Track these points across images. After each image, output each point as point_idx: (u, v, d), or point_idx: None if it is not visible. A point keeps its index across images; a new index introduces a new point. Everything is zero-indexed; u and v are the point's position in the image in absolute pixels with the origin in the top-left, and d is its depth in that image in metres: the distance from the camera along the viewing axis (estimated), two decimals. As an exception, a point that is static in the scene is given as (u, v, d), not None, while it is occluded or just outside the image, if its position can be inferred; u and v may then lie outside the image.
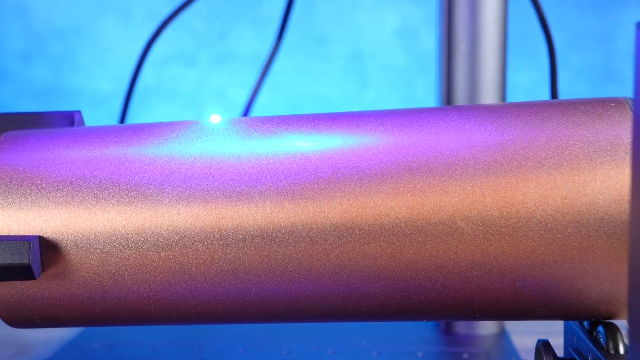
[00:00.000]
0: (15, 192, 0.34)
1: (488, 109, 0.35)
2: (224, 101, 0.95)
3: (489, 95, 0.50)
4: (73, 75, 0.93)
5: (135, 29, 0.92)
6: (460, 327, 0.52)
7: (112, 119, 0.91)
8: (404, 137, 0.34)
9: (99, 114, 0.92)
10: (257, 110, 0.72)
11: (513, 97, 0.52)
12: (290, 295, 0.34)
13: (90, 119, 0.41)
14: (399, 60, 0.93)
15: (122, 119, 0.57)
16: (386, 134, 0.34)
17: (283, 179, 0.33)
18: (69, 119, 0.38)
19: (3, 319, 0.35)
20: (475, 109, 0.35)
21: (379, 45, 0.93)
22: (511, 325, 0.54)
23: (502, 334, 0.52)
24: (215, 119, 0.37)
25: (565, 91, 0.63)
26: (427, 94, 0.93)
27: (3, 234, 0.33)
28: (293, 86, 0.93)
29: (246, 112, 0.65)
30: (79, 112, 0.39)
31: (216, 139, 0.35)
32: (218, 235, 0.33)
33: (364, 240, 0.33)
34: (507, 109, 0.35)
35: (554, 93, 0.53)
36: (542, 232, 0.32)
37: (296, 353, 0.49)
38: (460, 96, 0.51)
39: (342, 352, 0.49)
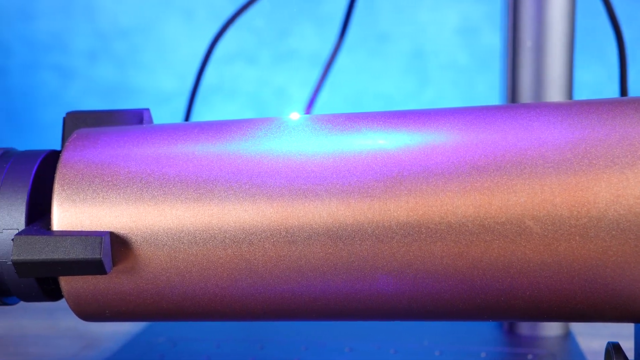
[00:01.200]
0: (87, 188, 0.35)
1: (557, 106, 0.34)
2: (284, 99, 0.95)
3: (555, 93, 0.49)
4: (137, 74, 0.95)
5: (198, 28, 0.94)
6: (524, 327, 0.51)
7: (175, 117, 0.92)
8: (471, 135, 0.34)
9: (163, 112, 0.94)
10: (318, 108, 0.72)
11: (580, 94, 0.51)
12: (355, 294, 0.34)
13: (154, 117, 0.41)
14: (460, 57, 0.92)
15: (187, 117, 0.57)
16: (453, 132, 0.34)
17: (349, 176, 0.33)
18: (138, 117, 0.39)
19: (75, 312, 0.36)
20: (544, 107, 0.35)
21: (439, 43, 0.93)
22: (577, 327, 0.53)
23: (568, 336, 0.51)
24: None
25: (635, 88, 0.62)
26: (488, 92, 0.92)
27: (76, 230, 0.34)
28: (353, 84, 0.93)
29: (308, 110, 0.65)
30: (147, 110, 0.40)
31: (282, 136, 0.35)
32: (284, 233, 0.34)
33: (430, 239, 0.33)
34: (576, 107, 0.34)
35: (623, 90, 0.52)
36: (613, 232, 0.31)
37: (358, 351, 0.49)
38: (526, 94, 0.50)
39: (404, 351, 0.49)
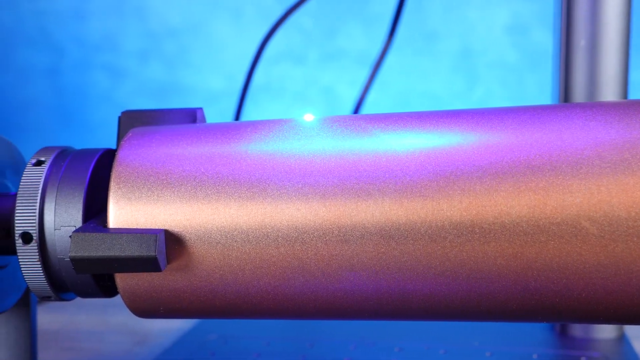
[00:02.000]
0: (142, 186, 0.35)
1: (614, 105, 0.34)
2: (331, 99, 0.95)
3: (609, 93, 0.49)
4: (186, 74, 0.96)
5: (246, 28, 0.94)
6: (577, 329, 0.51)
7: (223, 116, 0.93)
8: (526, 135, 0.33)
9: (211, 111, 0.94)
10: (365, 108, 0.72)
11: (635, 95, 0.50)
12: (407, 293, 0.34)
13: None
14: (510, 56, 0.91)
15: (237, 116, 0.58)
16: (507, 131, 0.34)
17: (402, 176, 0.33)
18: (192, 116, 0.40)
19: (130, 309, 0.36)
20: (600, 106, 0.34)
21: (489, 42, 0.92)
22: (631, 330, 0.52)
23: (622, 338, 0.50)
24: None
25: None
26: (538, 92, 0.91)
27: (131, 227, 0.34)
28: (400, 83, 0.93)
29: (357, 110, 0.65)
30: (200, 109, 0.40)
31: (335, 135, 0.35)
32: (336, 232, 0.34)
33: (483, 239, 0.32)
34: (634, 106, 0.34)
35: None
36: (673, 234, 0.30)
37: (407, 351, 0.49)
38: (579, 93, 0.49)
39: (454, 352, 0.48)
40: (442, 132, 0.34)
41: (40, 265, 0.36)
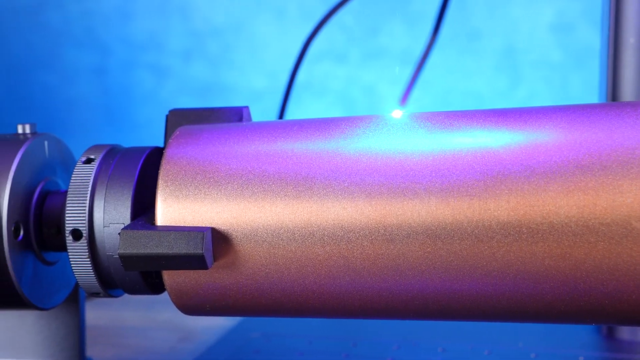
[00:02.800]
0: (189, 184, 0.35)
1: (666, 105, 0.33)
2: (373, 97, 0.95)
3: (659, 91, 0.48)
4: (229, 73, 0.96)
5: (289, 27, 0.94)
6: (625, 332, 0.50)
7: (266, 114, 0.93)
8: (575, 134, 0.33)
9: (254, 110, 0.95)
10: (408, 107, 0.72)
11: (685, 93, 0.49)
12: (453, 293, 0.34)
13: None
14: (554, 55, 0.90)
15: (281, 115, 0.58)
16: (555, 130, 0.33)
17: (448, 175, 0.33)
18: (238, 114, 0.40)
19: (177, 306, 0.37)
20: (651, 105, 0.34)
21: (533, 40, 0.91)
22: (680, 333, 0.51)
23: (671, 342, 0.49)
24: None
25: None
26: (583, 91, 0.90)
27: (178, 225, 0.35)
28: (443, 82, 0.92)
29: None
30: (247, 107, 0.40)
31: (381, 134, 0.35)
32: (382, 231, 0.34)
33: (531, 240, 0.32)
34: (687, 105, 0.33)
35: None
36: None
37: (451, 351, 0.49)
38: (628, 92, 0.49)
39: (498, 353, 0.48)
40: (490, 131, 0.34)
41: (89, 262, 0.37)
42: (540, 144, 0.33)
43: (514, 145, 0.33)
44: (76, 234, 0.37)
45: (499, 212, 0.32)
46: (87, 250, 0.36)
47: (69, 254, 0.37)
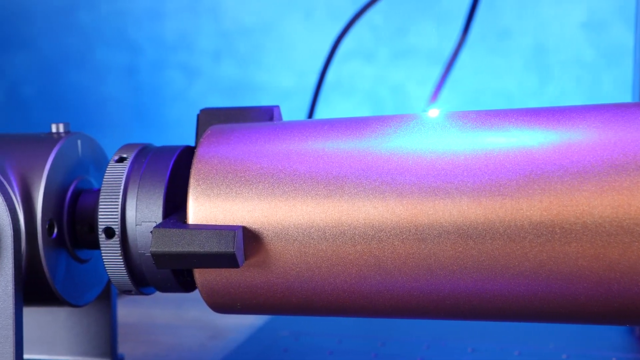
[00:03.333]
0: (221, 183, 0.35)
1: (702, 104, 0.33)
2: (401, 97, 0.95)
3: (694, 90, 0.47)
4: (258, 72, 0.97)
5: (317, 27, 0.95)
6: (658, 334, 0.49)
7: (294, 114, 0.93)
8: (609, 133, 0.33)
9: (282, 109, 0.95)
10: (437, 106, 0.71)
11: None
12: (484, 294, 0.34)
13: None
14: (585, 53, 0.90)
15: (310, 114, 0.58)
16: (589, 129, 0.33)
17: (480, 175, 0.33)
18: (269, 114, 0.40)
19: (208, 304, 0.37)
20: (687, 104, 0.33)
21: (563, 39, 0.90)
22: None
23: None
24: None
25: None
26: (615, 90, 0.89)
27: (209, 223, 0.35)
28: (472, 81, 0.92)
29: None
30: (277, 107, 0.41)
31: (412, 133, 0.35)
32: (414, 230, 0.33)
33: (564, 240, 0.32)
34: None
35: None
36: None
37: (481, 351, 0.49)
38: (662, 91, 0.48)
39: (529, 354, 0.48)
40: (523, 130, 0.34)
41: (122, 260, 0.37)
42: (574, 143, 0.33)
43: (547, 145, 0.33)
44: (109, 232, 0.37)
45: (531, 211, 0.32)
46: (119, 248, 0.37)
47: (102, 251, 0.37)
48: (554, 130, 0.33)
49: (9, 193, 0.36)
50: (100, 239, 0.37)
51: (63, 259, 0.40)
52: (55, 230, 0.39)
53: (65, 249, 0.40)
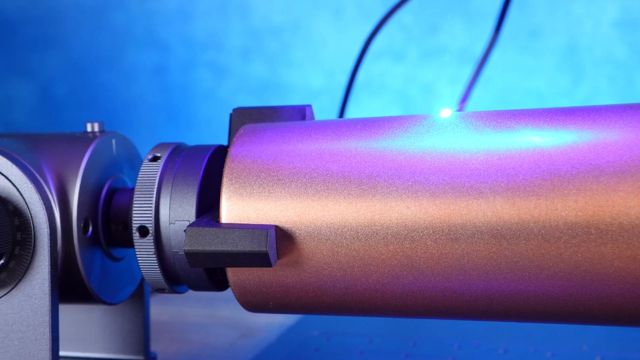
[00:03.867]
0: (253, 182, 0.36)
1: None
2: (431, 96, 0.94)
3: None
4: (287, 71, 0.97)
5: (347, 26, 0.94)
6: (694, 337, 0.49)
7: (323, 113, 0.93)
8: (646, 133, 0.32)
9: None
10: (467, 106, 0.71)
11: None
12: (518, 294, 0.34)
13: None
14: (619, 52, 0.89)
15: (341, 113, 0.58)
16: (625, 129, 0.33)
17: (514, 174, 0.33)
18: (301, 113, 0.40)
19: (240, 303, 0.37)
20: None
21: (596, 37, 0.89)
22: None
23: None
24: (445, 112, 0.37)
25: None
26: (649, 89, 0.88)
27: (242, 222, 0.35)
28: (503, 80, 0.91)
29: (460, 107, 0.64)
30: (309, 106, 0.41)
31: (445, 133, 0.35)
32: (447, 230, 0.33)
33: (600, 241, 0.32)
34: None
35: None
36: None
37: (513, 352, 0.48)
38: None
39: (561, 355, 0.47)
40: (557, 129, 0.34)
41: (155, 258, 0.37)
42: (610, 142, 0.32)
43: (582, 144, 0.33)
44: (143, 231, 0.37)
45: (566, 212, 0.32)
46: (153, 247, 0.37)
47: (136, 250, 0.37)
48: (589, 129, 0.33)
49: (45, 192, 0.37)
50: (134, 238, 0.37)
51: (98, 257, 0.40)
52: (90, 229, 0.39)
53: (100, 247, 0.40)
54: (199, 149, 0.39)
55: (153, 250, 0.37)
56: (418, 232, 0.34)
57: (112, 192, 0.41)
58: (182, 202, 0.37)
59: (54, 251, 0.36)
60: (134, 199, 0.37)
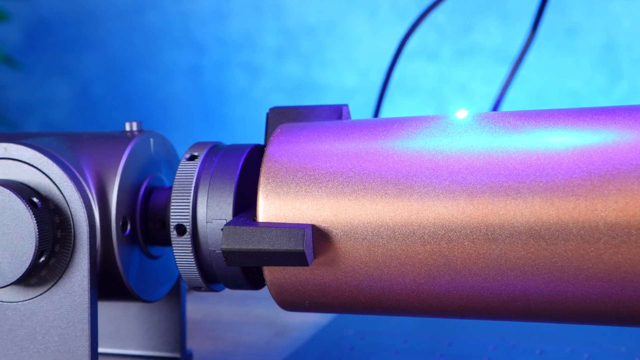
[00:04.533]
0: (290, 181, 0.36)
1: None
2: (465, 95, 0.94)
3: None
4: (321, 71, 0.97)
5: (381, 26, 0.94)
6: None
7: (357, 112, 0.93)
8: (688, 133, 0.32)
9: (345, 108, 0.95)
10: (502, 105, 0.71)
11: None
12: (556, 295, 0.33)
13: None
14: (657, 51, 0.87)
15: (376, 113, 0.58)
16: (667, 129, 0.32)
17: (553, 174, 0.33)
18: (338, 112, 0.40)
19: (277, 301, 0.37)
20: None
21: (634, 36, 0.88)
22: None
23: None
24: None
25: None
26: (687, 87, 0.87)
27: (279, 221, 0.35)
28: (538, 80, 0.90)
29: (496, 107, 0.64)
30: (346, 105, 0.41)
31: (482, 133, 0.35)
32: (484, 231, 0.33)
33: (641, 241, 0.31)
34: None
35: None
36: None
37: (549, 354, 0.48)
38: None
39: (599, 357, 0.47)
40: (597, 129, 0.33)
41: (192, 257, 0.37)
42: (651, 142, 0.32)
43: (622, 143, 0.32)
44: (180, 229, 0.37)
45: (606, 212, 0.31)
46: (190, 245, 0.37)
47: (173, 248, 0.38)
48: (630, 128, 0.33)
49: (85, 190, 0.37)
50: (171, 236, 0.37)
51: (136, 255, 0.40)
52: (129, 227, 0.40)
53: (138, 245, 0.41)
54: (236, 148, 0.39)
55: (190, 248, 0.37)
56: (455, 232, 0.34)
57: (150, 191, 0.41)
58: (219, 201, 0.37)
59: (93, 249, 0.37)
60: (172, 197, 0.38)
